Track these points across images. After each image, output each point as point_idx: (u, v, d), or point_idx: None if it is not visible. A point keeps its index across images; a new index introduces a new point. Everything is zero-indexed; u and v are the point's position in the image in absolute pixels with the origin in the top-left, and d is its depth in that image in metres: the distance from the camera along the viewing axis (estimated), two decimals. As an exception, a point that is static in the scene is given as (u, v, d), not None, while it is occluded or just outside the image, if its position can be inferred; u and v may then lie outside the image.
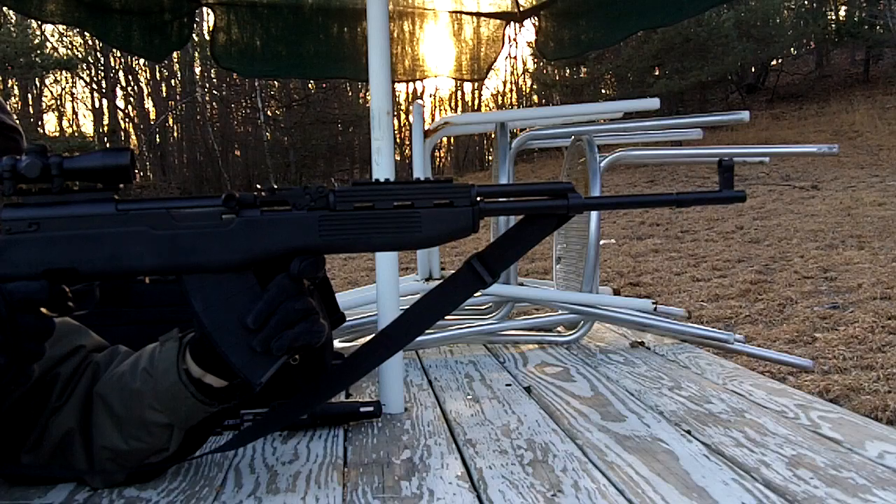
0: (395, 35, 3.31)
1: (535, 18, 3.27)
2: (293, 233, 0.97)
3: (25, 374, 0.97)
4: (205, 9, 3.17)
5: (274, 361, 0.97)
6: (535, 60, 21.02)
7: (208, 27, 3.65)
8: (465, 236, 1.00)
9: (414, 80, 3.74)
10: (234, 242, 0.97)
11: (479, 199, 0.99)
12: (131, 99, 21.01)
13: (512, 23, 3.38)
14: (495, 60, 3.49)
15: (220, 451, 1.22)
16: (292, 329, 0.96)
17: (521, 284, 2.75)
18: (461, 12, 3.42)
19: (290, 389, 1.14)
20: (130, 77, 20.73)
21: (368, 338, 1.85)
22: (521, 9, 3.31)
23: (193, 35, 4.95)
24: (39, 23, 16.20)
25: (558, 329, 2.39)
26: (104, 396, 1.09)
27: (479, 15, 3.42)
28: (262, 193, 0.99)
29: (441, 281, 1.08)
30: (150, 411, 1.05)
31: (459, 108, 22.38)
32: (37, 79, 19.55)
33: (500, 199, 1.03)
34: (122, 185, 0.99)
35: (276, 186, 1.00)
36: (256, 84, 19.47)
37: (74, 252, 0.96)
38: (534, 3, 3.26)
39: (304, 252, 0.97)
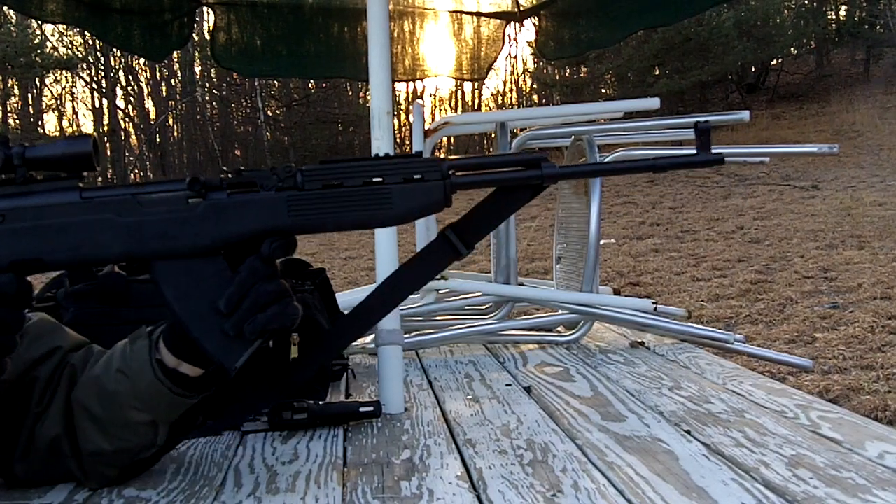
0: (395, 35, 3.32)
1: (535, 18, 3.27)
2: (261, 214, 0.96)
3: None
4: (205, 8, 3.17)
5: (248, 345, 0.96)
6: (535, 60, 21.01)
7: (208, 27, 3.65)
8: (438, 211, 0.99)
9: (414, 80, 3.75)
10: (201, 226, 0.95)
11: (450, 172, 0.98)
12: (131, 98, 21.00)
13: (512, 22, 3.38)
14: (495, 60, 3.49)
15: (208, 434, 1.21)
16: (264, 312, 0.95)
17: (522, 284, 2.74)
18: (461, 12, 3.42)
19: (289, 391, 1.13)
20: (130, 77, 20.71)
21: (368, 342, 1.84)
22: (521, 8, 3.31)
23: (193, 35, 4.95)
24: (40, 22, 16.20)
25: (558, 329, 2.39)
26: (83, 402, 1.08)
27: (479, 15, 3.42)
28: (229, 175, 0.97)
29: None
30: (131, 411, 1.04)
31: (459, 108, 22.37)
32: (37, 78, 19.53)
33: (473, 172, 1.01)
34: (85, 173, 0.97)
35: (243, 168, 0.99)
36: (256, 84, 19.46)
37: (40, 242, 0.94)
38: (534, 2, 3.26)
39: (273, 233, 0.96)
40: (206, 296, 0.95)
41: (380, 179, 0.96)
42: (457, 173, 0.99)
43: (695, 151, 1.00)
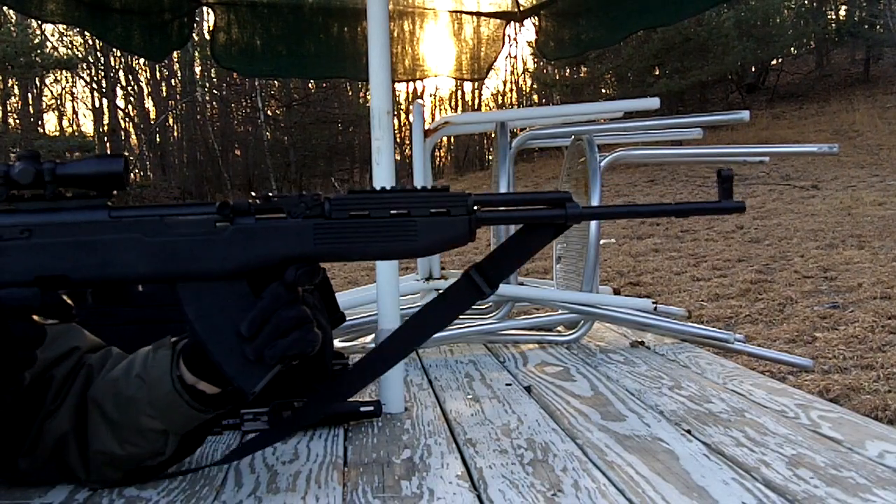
0: (395, 34, 3.32)
1: (535, 18, 3.27)
2: (288, 241, 0.96)
3: (17, 381, 0.96)
4: (205, 8, 3.17)
5: (267, 370, 0.97)
6: (536, 60, 21.01)
7: (208, 27, 3.65)
8: (462, 245, 0.99)
9: (414, 80, 3.75)
10: (228, 250, 0.96)
11: (475, 207, 0.99)
12: (131, 98, 21.01)
13: (512, 22, 3.38)
14: (495, 60, 3.49)
15: (223, 463, 1.22)
16: (286, 338, 0.95)
17: (522, 284, 2.74)
18: (461, 12, 3.42)
19: (289, 391, 1.13)
20: (130, 77, 20.72)
21: (368, 342, 1.84)
22: (521, 8, 3.31)
23: (193, 35, 4.95)
24: (40, 22, 16.21)
25: (558, 329, 2.39)
26: (98, 401, 1.09)
27: (479, 14, 3.42)
28: (257, 201, 0.98)
29: (440, 292, 1.08)
30: (145, 418, 1.05)
31: (459, 108, 22.38)
32: (37, 78, 19.53)
33: (498, 209, 1.03)
34: (115, 192, 0.98)
35: (271, 194, 0.99)
36: (257, 84, 19.45)
37: (66, 259, 0.95)
38: (534, 2, 3.26)
39: (298, 260, 0.96)
40: (229, 319, 0.96)
41: (406, 211, 0.97)
42: (482, 208, 1.00)
43: (717, 199, 1.02)
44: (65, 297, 0.98)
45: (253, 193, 0.99)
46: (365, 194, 0.98)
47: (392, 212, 0.97)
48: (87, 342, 1.18)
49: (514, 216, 1.03)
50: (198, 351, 1.00)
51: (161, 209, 0.98)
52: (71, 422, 1.10)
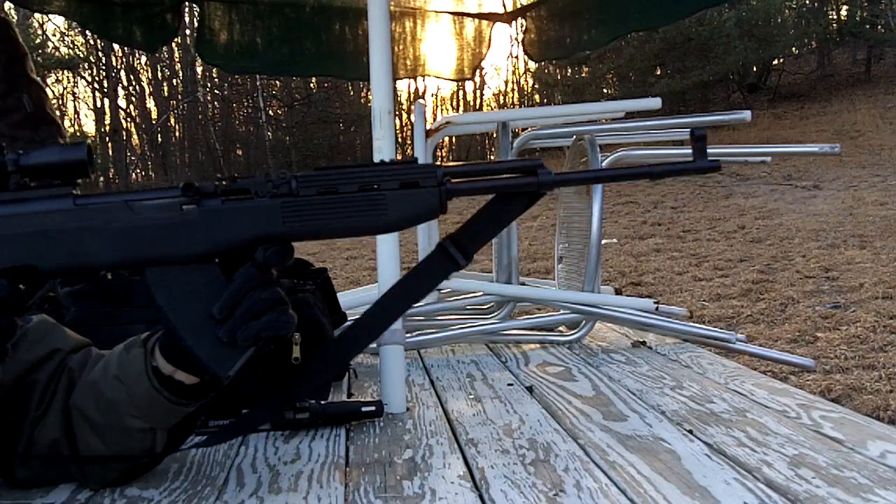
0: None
1: (523, 20, 3.28)
2: (256, 221, 0.95)
3: None
4: (194, 5, 3.15)
5: (241, 353, 0.95)
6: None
7: (193, 24, 3.65)
8: (434, 218, 0.99)
9: (399, 79, 3.74)
10: (195, 233, 0.95)
11: (446, 178, 0.97)
12: (133, 98, 20.98)
13: (512, 23, 3.38)
14: (481, 60, 3.47)
15: (210, 444, 1.21)
16: (258, 319, 0.94)
17: (523, 284, 2.74)
18: (451, 13, 3.41)
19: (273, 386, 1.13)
20: (132, 76, 20.71)
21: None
22: (507, 10, 3.32)
23: (194, 33, 4.94)
24: (41, 22, 16.22)
25: (560, 329, 2.39)
26: (81, 408, 1.08)
27: (464, 15, 3.41)
28: (223, 182, 0.97)
29: (414, 265, 1.07)
30: (128, 419, 1.04)
31: (461, 108, 22.36)
32: (38, 78, 19.54)
33: (468, 179, 1.01)
34: (79, 181, 0.97)
35: (237, 175, 0.99)
36: (258, 83, 19.45)
37: (33, 250, 0.94)
38: (519, 5, 3.27)
39: (268, 240, 0.95)
40: (200, 303, 0.95)
41: (375, 186, 0.96)
42: (452, 180, 0.98)
43: (691, 158, 0.99)
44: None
45: (219, 175, 0.98)
46: (332, 170, 0.97)
47: (360, 187, 0.96)
48: (69, 343, 1.16)
49: (485, 186, 1.00)
50: (172, 338, 0.99)
51: (126, 195, 0.97)
52: (60, 428, 1.09)
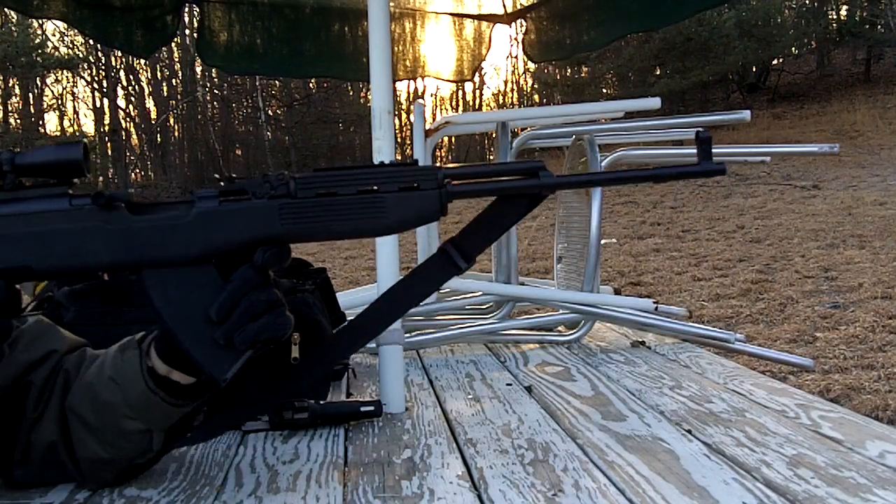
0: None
1: (523, 21, 3.28)
2: (254, 222, 0.94)
3: None
4: (194, 6, 3.16)
5: (238, 355, 0.95)
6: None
7: (193, 25, 3.65)
8: (434, 220, 0.98)
9: (400, 80, 3.74)
10: (192, 234, 0.94)
11: (446, 181, 0.97)
12: (132, 98, 20.97)
13: (512, 24, 3.39)
14: (482, 61, 3.48)
15: (203, 439, 1.20)
16: (256, 321, 0.93)
17: (523, 284, 2.75)
18: (450, 14, 3.42)
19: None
20: (131, 76, 20.69)
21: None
22: (507, 11, 3.32)
23: (193, 34, 4.94)
24: (40, 22, 16.21)
25: (559, 328, 2.39)
26: (76, 410, 1.07)
27: (464, 16, 3.41)
28: (221, 183, 0.96)
29: (415, 267, 1.07)
30: (125, 420, 1.04)
31: (461, 108, 22.36)
32: (38, 78, 19.50)
33: (469, 181, 1.00)
34: (76, 180, 0.96)
35: (235, 176, 0.98)
36: (257, 83, 19.44)
37: (29, 250, 0.93)
38: (519, 6, 3.28)
39: (266, 242, 0.94)
40: (197, 305, 0.94)
41: (374, 188, 0.95)
42: (453, 182, 0.97)
43: (696, 161, 0.98)
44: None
45: (216, 176, 0.98)
46: (331, 172, 0.96)
47: (359, 189, 0.95)
48: (64, 344, 1.16)
49: (486, 188, 1.00)
50: (168, 339, 0.98)
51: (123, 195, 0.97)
52: (57, 430, 1.09)
